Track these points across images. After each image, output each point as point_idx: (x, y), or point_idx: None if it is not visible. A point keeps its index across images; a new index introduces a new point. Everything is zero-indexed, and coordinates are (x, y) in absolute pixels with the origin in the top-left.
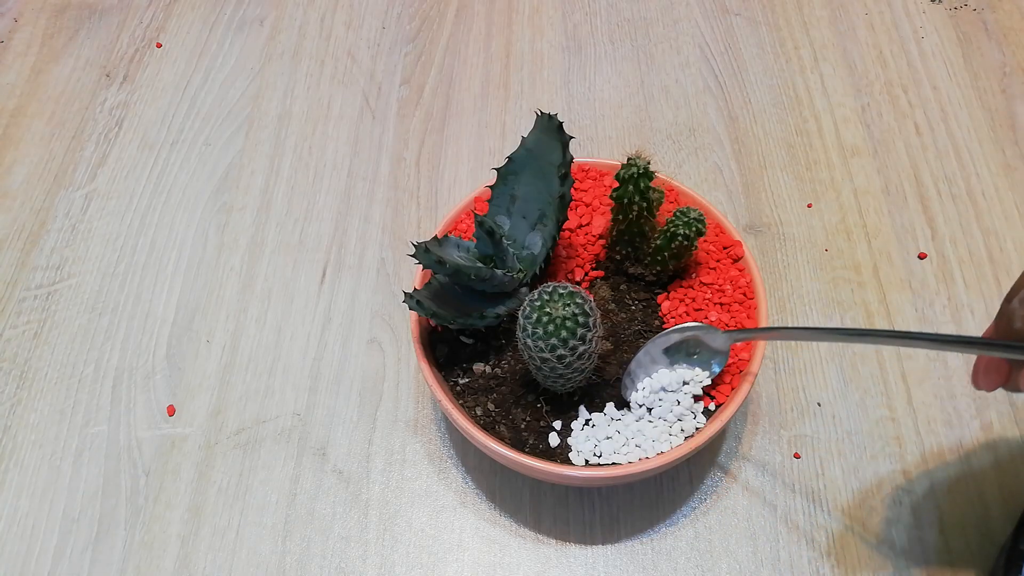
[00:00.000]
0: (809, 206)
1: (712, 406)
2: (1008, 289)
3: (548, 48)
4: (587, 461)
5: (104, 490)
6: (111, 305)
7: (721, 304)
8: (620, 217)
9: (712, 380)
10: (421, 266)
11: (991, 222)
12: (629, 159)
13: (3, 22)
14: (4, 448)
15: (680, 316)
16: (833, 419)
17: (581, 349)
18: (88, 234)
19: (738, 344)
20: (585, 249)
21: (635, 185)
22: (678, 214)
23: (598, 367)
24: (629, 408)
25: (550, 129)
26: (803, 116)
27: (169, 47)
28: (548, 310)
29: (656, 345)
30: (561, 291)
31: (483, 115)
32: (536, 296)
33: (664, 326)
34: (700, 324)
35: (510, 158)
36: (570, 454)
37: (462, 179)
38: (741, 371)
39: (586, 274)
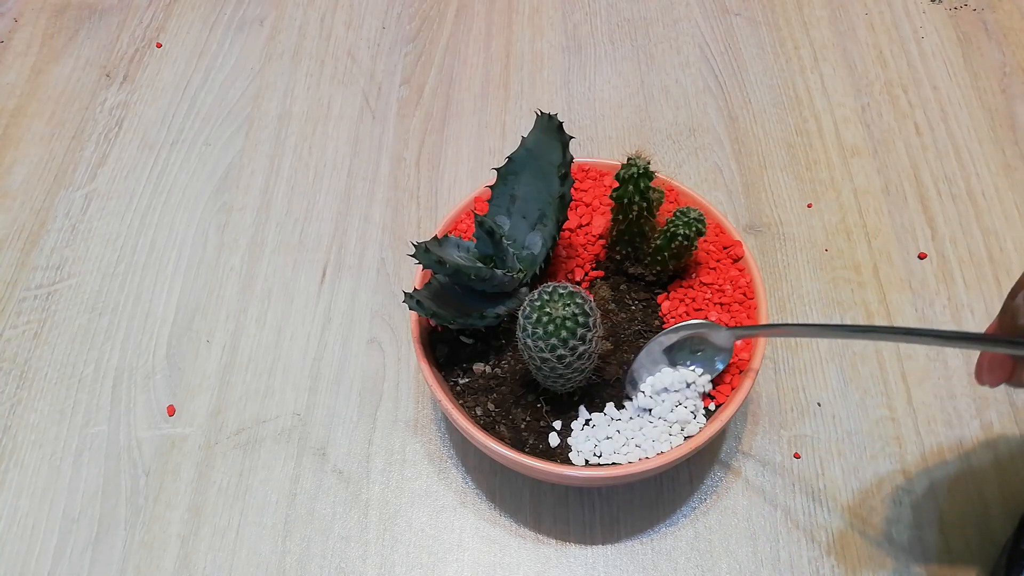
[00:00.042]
0: (809, 206)
1: (712, 406)
2: (1009, 288)
3: (548, 48)
4: (587, 461)
5: (104, 490)
6: (111, 305)
7: (721, 304)
8: (620, 217)
9: (715, 379)
10: (421, 266)
11: (991, 222)
12: (629, 159)
13: (3, 22)
14: (4, 448)
15: (680, 316)
16: (833, 419)
17: (581, 349)
18: (88, 234)
19: (738, 344)
20: (585, 249)
21: (635, 185)
22: (678, 214)
23: (598, 367)
24: (631, 402)
25: (550, 129)
26: (803, 116)
27: (169, 47)
28: (548, 310)
29: (659, 343)
30: (561, 291)
31: (483, 115)
32: (536, 296)
33: (664, 326)
34: (704, 321)
35: (510, 158)
36: (570, 454)
37: (462, 179)
38: (741, 371)
39: (586, 274)
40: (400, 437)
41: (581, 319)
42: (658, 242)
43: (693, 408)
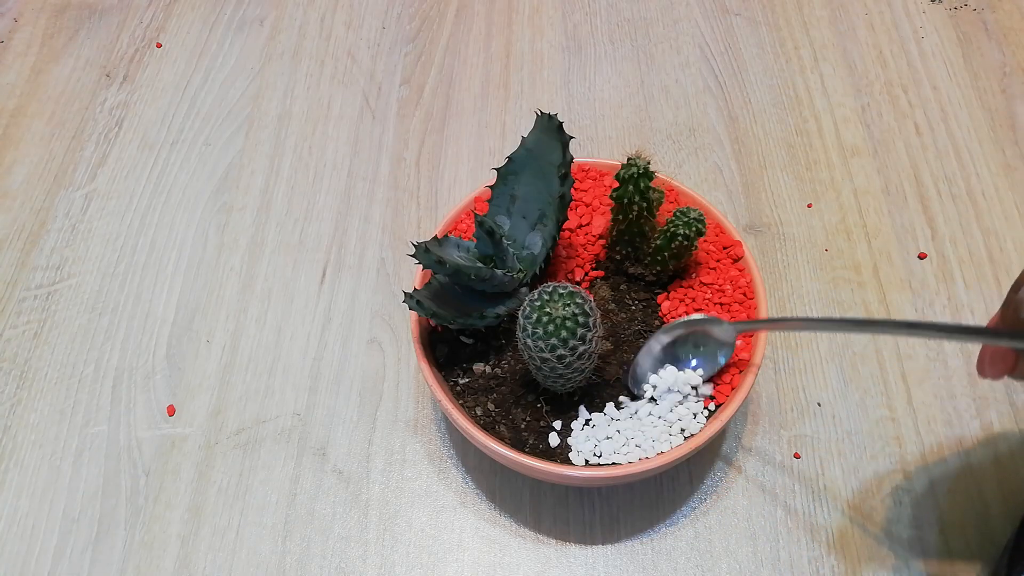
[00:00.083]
0: (809, 206)
1: (712, 406)
2: (1008, 288)
3: (548, 48)
4: (587, 461)
5: (104, 490)
6: (111, 305)
7: (721, 304)
8: (620, 217)
9: (717, 371)
10: (421, 266)
11: (991, 222)
12: (629, 159)
13: (3, 22)
14: (4, 448)
15: (680, 316)
16: (833, 419)
17: (581, 349)
18: (88, 234)
19: (738, 345)
20: (585, 249)
21: (635, 185)
22: (678, 214)
23: (598, 367)
24: (633, 399)
25: (550, 129)
26: (803, 116)
27: (169, 47)
28: (548, 310)
29: (659, 341)
30: (561, 291)
31: (483, 115)
32: (536, 296)
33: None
34: (707, 316)
35: (510, 158)
36: (570, 454)
37: (462, 179)
38: (741, 371)
39: (586, 274)
40: (400, 437)
41: (581, 319)
42: (658, 242)
43: (693, 408)
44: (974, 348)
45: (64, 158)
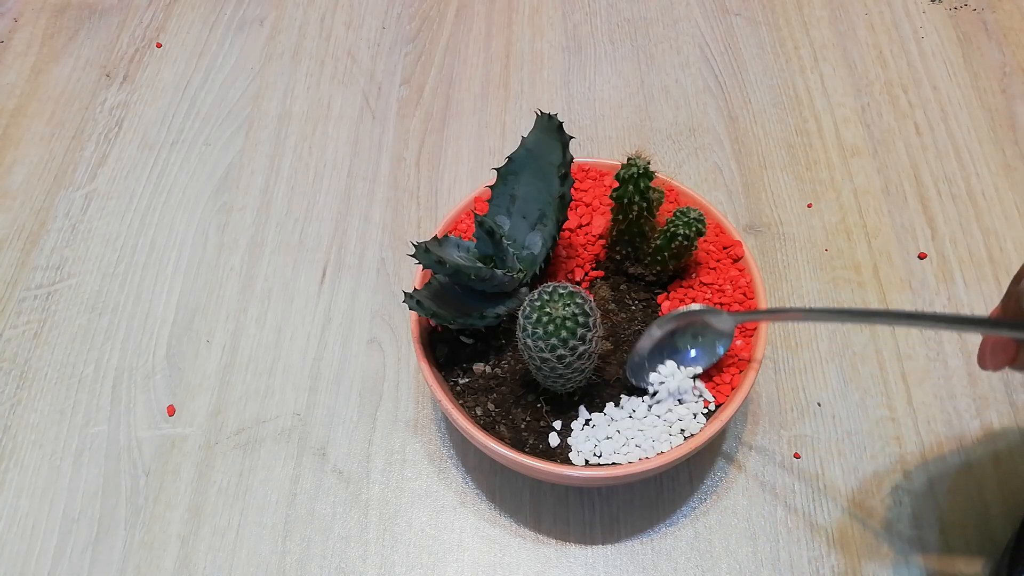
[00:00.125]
0: (809, 206)
1: (712, 406)
2: (1009, 283)
3: (548, 48)
4: (587, 461)
5: (104, 490)
6: (111, 305)
7: (721, 304)
8: (620, 217)
9: (716, 362)
10: (421, 266)
11: (991, 222)
12: (629, 159)
13: (3, 22)
14: (4, 448)
15: None
16: (833, 419)
17: (581, 349)
18: (88, 234)
19: (738, 344)
20: (585, 249)
21: (635, 185)
22: (678, 214)
23: (598, 367)
24: (632, 391)
25: (550, 129)
26: (803, 116)
27: (169, 47)
28: (548, 310)
29: (660, 327)
30: (561, 291)
31: (483, 115)
32: (536, 296)
33: None
34: (706, 306)
35: (510, 158)
36: (570, 454)
37: (462, 179)
38: (741, 371)
39: (586, 274)
40: (400, 437)
41: (581, 319)
42: (658, 242)
43: (693, 408)
44: (973, 348)
45: (64, 158)
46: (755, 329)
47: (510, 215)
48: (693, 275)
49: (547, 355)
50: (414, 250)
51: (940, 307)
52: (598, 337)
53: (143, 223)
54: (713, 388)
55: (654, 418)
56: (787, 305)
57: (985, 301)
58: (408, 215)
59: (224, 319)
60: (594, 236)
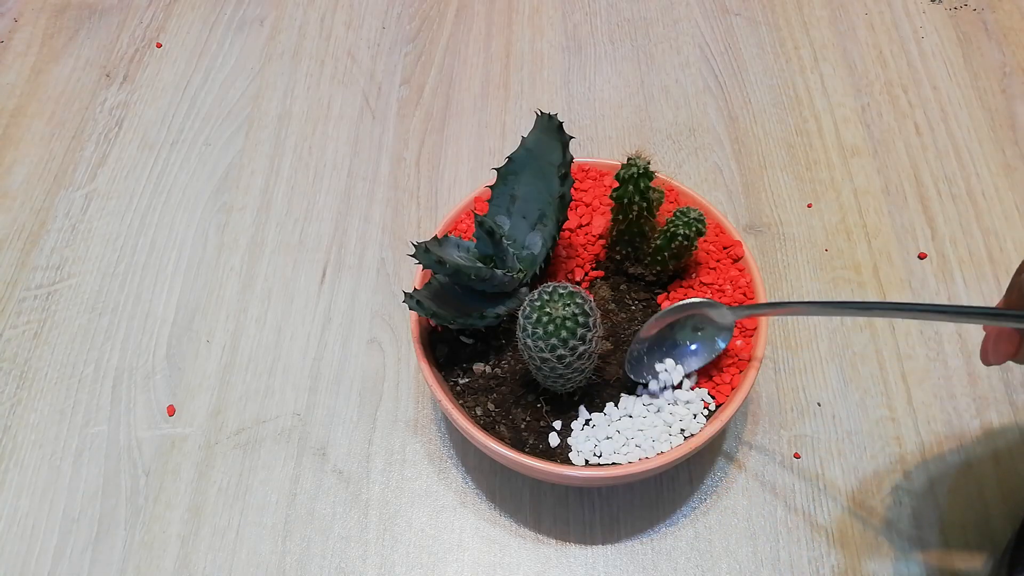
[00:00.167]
0: (809, 206)
1: (712, 406)
2: (1012, 277)
3: (548, 48)
4: (587, 461)
5: (104, 490)
6: (111, 305)
7: None
8: (620, 217)
9: (716, 375)
10: (421, 266)
11: (991, 222)
12: (629, 159)
13: (3, 22)
14: (4, 448)
15: None
16: (833, 419)
17: (581, 349)
18: (88, 234)
19: (738, 344)
20: (585, 249)
21: (635, 185)
22: (678, 214)
23: (598, 367)
24: (631, 388)
25: (550, 129)
26: (803, 116)
27: (169, 47)
28: (548, 310)
29: (659, 320)
30: (561, 291)
31: (483, 115)
32: (536, 296)
33: None
34: (706, 300)
35: (510, 158)
36: (570, 454)
37: (462, 179)
38: (741, 371)
39: (586, 274)
40: (400, 437)
41: (581, 319)
42: (658, 242)
43: (693, 408)
44: (973, 348)
45: (64, 158)
46: (755, 329)
47: (510, 215)
48: (693, 275)
49: (547, 355)
50: (414, 250)
51: None
52: (598, 337)
53: (143, 223)
54: (713, 388)
55: (654, 418)
56: None
57: (985, 301)
58: (408, 215)
59: (224, 319)
60: (594, 236)
